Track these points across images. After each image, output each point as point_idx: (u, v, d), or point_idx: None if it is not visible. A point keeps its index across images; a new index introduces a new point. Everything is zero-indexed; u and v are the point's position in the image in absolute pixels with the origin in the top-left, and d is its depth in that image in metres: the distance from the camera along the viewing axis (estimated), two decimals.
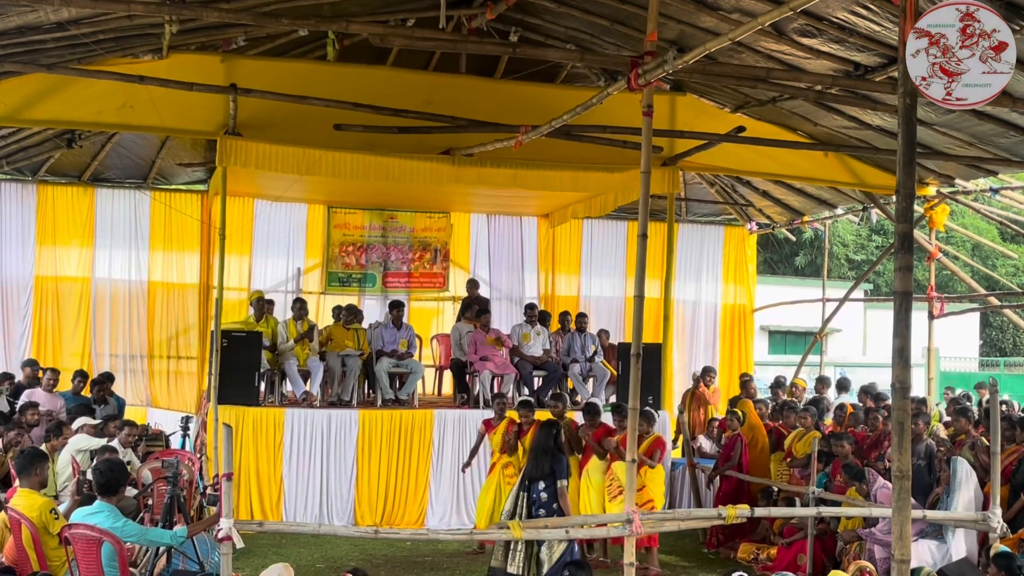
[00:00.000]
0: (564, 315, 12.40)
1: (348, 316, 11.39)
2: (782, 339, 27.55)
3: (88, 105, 9.93)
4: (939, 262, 13.31)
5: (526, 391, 11.28)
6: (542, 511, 7.93)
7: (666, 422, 10.92)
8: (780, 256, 30.41)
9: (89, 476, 7.05)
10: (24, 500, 6.27)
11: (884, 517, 7.51)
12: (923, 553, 7.73)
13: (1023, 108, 8.41)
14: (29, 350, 12.62)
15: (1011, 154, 10.17)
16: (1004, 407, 11.31)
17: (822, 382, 13.44)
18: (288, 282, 13.88)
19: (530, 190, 11.47)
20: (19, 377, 11.02)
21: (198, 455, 10.24)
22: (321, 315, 13.17)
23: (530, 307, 12.07)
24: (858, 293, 17.66)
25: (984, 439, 8.70)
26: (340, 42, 10.54)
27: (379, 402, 11.00)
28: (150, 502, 8.03)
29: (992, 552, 6.39)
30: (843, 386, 13.87)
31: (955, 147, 10.38)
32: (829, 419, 11.60)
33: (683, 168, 11.77)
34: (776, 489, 9.84)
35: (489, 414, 9.78)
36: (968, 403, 12.48)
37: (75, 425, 8.84)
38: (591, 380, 11.65)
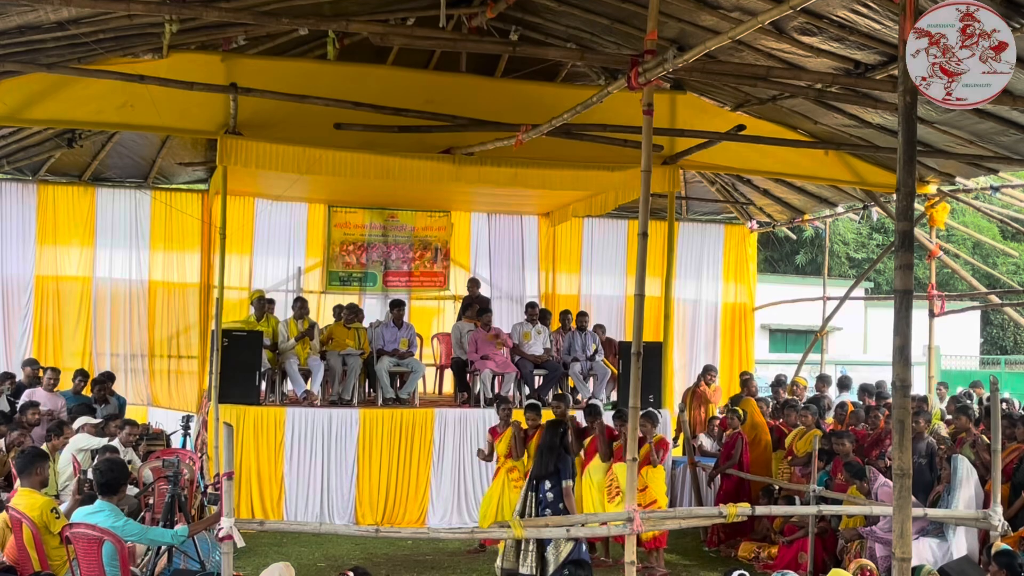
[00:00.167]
0: (565, 314, 12.38)
1: (349, 315, 11.40)
2: (783, 337, 27.52)
3: (88, 104, 9.94)
4: (940, 260, 13.30)
5: (527, 390, 11.28)
6: (548, 511, 7.95)
7: (667, 421, 10.93)
8: (781, 254, 30.37)
9: (90, 475, 7.04)
10: (25, 499, 6.27)
11: (885, 515, 7.51)
12: (924, 551, 7.73)
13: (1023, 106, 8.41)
14: (30, 349, 12.62)
15: (1012, 152, 10.17)
16: (1005, 405, 11.29)
17: (823, 380, 13.42)
18: (289, 281, 13.89)
19: (531, 189, 11.46)
20: (20, 376, 11.03)
21: (199, 454, 10.25)
22: (322, 314, 13.18)
23: (531, 306, 12.06)
24: (859, 291, 17.59)
25: (985, 437, 8.70)
26: (340, 41, 10.53)
27: (380, 401, 11.00)
28: (151, 501, 8.04)
29: (993, 550, 6.37)
30: (844, 384, 13.88)
31: (955, 145, 10.38)
32: (830, 417, 11.61)
33: (683, 167, 11.77)
34: (777, 487, 9.85)
35: (490, 413, 9.77)
36: (969, 401, 12.46)
37: (76, 424, 8.86)
38: (592, 379, 11.65)
